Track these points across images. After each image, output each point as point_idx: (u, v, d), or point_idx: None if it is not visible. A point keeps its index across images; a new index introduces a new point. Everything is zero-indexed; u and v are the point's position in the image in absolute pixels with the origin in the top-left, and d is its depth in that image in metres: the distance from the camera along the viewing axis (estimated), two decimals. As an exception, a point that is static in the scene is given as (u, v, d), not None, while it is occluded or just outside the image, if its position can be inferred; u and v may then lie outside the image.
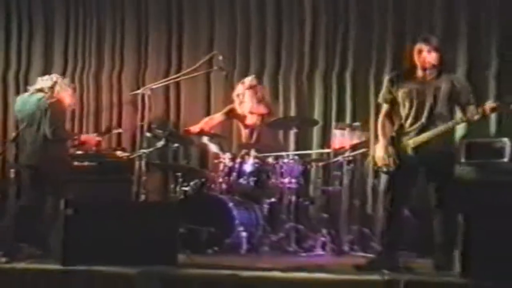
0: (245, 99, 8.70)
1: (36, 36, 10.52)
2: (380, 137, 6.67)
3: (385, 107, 6.72)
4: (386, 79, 6.79)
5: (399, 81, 6.60)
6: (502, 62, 9.04)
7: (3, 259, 6.56)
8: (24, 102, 7.98)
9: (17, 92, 10.31)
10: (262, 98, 8.80)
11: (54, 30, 10.49)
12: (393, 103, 6.63)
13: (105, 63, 10.29)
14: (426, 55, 6.43)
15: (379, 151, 6.60)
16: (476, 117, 6.32)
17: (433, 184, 6.51)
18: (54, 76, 8.26)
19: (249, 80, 8.79)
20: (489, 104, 6.30)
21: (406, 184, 6.53)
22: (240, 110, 8.81)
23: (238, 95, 8.76)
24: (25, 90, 10.09)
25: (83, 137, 8.59)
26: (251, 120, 8.77)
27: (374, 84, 9.32)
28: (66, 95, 8.10)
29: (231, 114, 8.97)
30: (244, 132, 8.93)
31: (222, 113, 9.09)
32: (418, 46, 6.50)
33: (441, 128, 6.38)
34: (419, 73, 6.50)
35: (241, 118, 8.89)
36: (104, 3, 10.36)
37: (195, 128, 8.84)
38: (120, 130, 9.19)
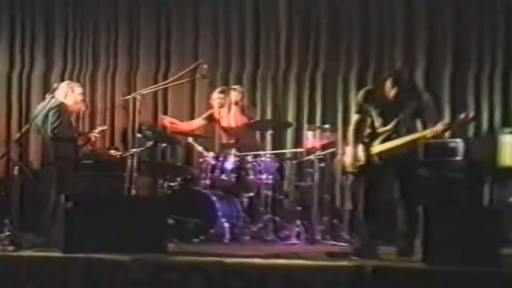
0: (231, 113, 8.72)
1: (38, 37, 10.37)
2: (350, 144, 6.67)
3: (356, 117, 6.71)
4: (361, 92, 6.75)
5: (372, 95, 6.61)
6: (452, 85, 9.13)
7: (10, 247, 6.55)
8: (40, 106, 7.99)
9: (20, 93, 10.32)
10: (245, 111, 8.82)
11: (55, 33, 10.34)
12: (364, 114, 6.64)
13: (100, 65, 10.18)
14: (394, 90, 6.49)
15: (347, 157, 6.64)
16: (430, 135, 6.37)
17: (397, 180, 6.53)
18: (66, 82, 8.32)
19: (234, 95, 8.78)
20: (439, 126, 6.30)
21: (375, 181, 6.55)
22: (220, 115, 8.82)
23: (221, 105, 8.78)
24: (28, 91, 10.22)
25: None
26: (232, 124, 8.78)
27: (342, 85, 9.38)
28: (72, 99, 8.11)
29: (211, 118, 8.96)
30: (225, 134, 8.92)
31: (202, 118, 9.09)
32: (388, 83, 6.54)
33: (403, 139, 6.42)
34: (391, 92, 6.52)
35: (222, 121, 8.87)
36: (99, 13, 10.25)
37: (180, 126, 8.91)
38: (105, 127, 9.12)
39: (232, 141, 8.74)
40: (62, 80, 9.98)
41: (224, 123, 8.82)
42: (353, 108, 9.00)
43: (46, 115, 7.83)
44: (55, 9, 10.35)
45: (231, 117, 8.76)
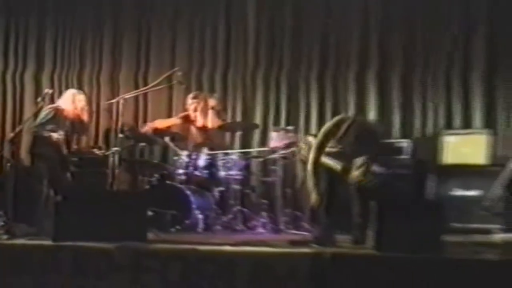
0: (208, 116, 8.72)
1: (30, 39, 10.33)
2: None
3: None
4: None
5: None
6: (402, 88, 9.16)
7: (5, 236, 6.54)
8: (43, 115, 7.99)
9: (14, 92, 10.22)
10: (220, 114, 8.87)
11: (46, 35, 10.29)
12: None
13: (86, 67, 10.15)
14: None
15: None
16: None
17: (359, 158, 6.45)
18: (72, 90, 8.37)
19: (212, 101, 8.80)
20: (354, 174, 6.38)
21: (334, 178, 6.52)
22: (196, 117, 8.80)
23: (195, 108, 8.78)
24: (21, 90, 10.17)
25: None
26: (209, 125, 8.77)
27: (305, 85, 9.40)
28: (72, 105, 8.10)
29: (186, 119, 8.93)
30: (198, 134, 8.88)
31: (177, 117, 9.09)
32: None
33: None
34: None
35: (196, 123, 8.86)
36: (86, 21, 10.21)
37: (151, 126, 8.86)
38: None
39: (205, 141, 8.70)
40: (52, 80, 10.05)
41: (200, 124, 8.80)
42: (314, 108, 9.25)
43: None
44: (46, 14, 10.29)
45: (208, 120, 8.75)
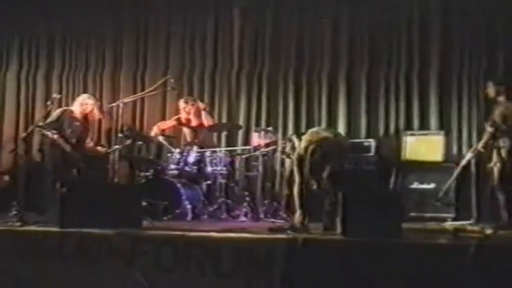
0: (203, 117, 8.69)
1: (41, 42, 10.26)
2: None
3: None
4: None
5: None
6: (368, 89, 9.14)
7: (18, 224, 6.54)
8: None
9: (27, 91, 10.12)
10: (211, 114, 8.88)
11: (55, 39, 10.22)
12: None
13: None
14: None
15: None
16: None
17: (326, 171, 6.48)
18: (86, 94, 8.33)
19: (202, 104, 8.79)
20: None
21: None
22: (187, 119, 8.79)
23: (188, 111, 8.75)
24: (34, 89, 10.04)
25: None
26: (205, 123, 8.75)
27: (283, 86, 9.37)
28: (81, 107, 8.03)
29: (179, 121, 8.92)
30: (189, 134, 8.89)
31: (172, 119, 9.05)
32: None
33: None
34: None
35: (188, 124, 8.86)
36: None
37: (157, 129, 8.82)
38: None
39: (194, 140, 8.68)
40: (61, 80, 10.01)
41: (195, 124, 8.77)
42: (291, 111, 9.24)
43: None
44: (56, 20, 10.21)
45: (203, 120, 8.72)
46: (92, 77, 10.04)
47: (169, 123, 9.10)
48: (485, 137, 6.77)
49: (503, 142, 6.54)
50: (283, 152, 7.73)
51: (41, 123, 7.67)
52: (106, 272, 5.76)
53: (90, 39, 10.09)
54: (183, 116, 8.86)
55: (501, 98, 6.79)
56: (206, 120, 8.72)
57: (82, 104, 8.06)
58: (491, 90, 6.93)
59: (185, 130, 8.99)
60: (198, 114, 8.77)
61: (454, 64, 8.85)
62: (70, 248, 5.89)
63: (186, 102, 8.82)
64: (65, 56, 10.17)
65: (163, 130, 8.86)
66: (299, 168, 6.48)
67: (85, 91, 9.31)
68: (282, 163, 8.53)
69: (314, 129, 7.10)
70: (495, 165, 6.57)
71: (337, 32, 9.26)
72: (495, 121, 6.69)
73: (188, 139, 8.90)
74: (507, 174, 6.50)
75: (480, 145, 6.90)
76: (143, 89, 9.53)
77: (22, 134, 8.44)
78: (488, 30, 8.69)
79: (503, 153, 6.53)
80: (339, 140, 6.84)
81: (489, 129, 6.72)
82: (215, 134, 9.02)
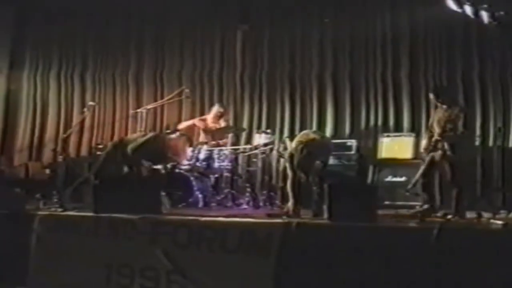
0: (221, 121, 8.67)
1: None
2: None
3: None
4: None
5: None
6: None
7: (60, 209, 6.61)
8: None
9: (59, 92, 9.97)
10: (226, 118, 8.84)
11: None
12: None
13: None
14: None
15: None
16: None
17: (317, 165, 6.52)
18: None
19: (221, 109, 8.75)
20: None
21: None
22: (211, 122, 8.73)
23: (217, 115, 8.71)
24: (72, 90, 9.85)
25: None
26: (210, 127, 8.71)
27: (280, 101, 9.27)
28: None
29: (204, 122, 8.81)
30: (203, 134, 8.79)
31: (197, 119, 8.96)
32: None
33: None
34: None
35: (202, 126, 8.79)
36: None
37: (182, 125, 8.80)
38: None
39: (206, 140, 8.60)
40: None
41: (215, 125, 8.71)
42: (287, 115, 9.20)
43: None
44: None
45: (220, 123, 8.70)
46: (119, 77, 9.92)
47: (187, 123, 8.97)
48: (425, 141, 6.67)
49: (442, 145, 6.39)
50: (278, 151, 7.79)
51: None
52: (134, 248, 5.83)
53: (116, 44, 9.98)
54: (209, 117, 8.77)
55: (439, 106, 6.64)
56: (222, 123, 8.72)
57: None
58: (432, 99, 6.81)
59: (200, 131, 8.85)
60: (219, 118, 8.76)
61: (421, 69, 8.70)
62: (102, 229, 5.96)
63: (222, 107, 8.80)
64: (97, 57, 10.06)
65: (181, 129, 8.70)
66: (291, 164, 6.55)
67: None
68: (278, 160, 8.53)
69: (304, 131, 7.16)
70: (444, 164, 6.45)
71: (323, 47, 9.16)
72: (433, 126, 6.59)
73: (201, 139, 8.76)
74: (453, 171, 6.37)
75: (422, 148, 6.83)
76: (162, 112, 9.58)
77: (63, 135, 8.56)
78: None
79: (446, 153, 6.39)
80: (324, 141, 6.91)
81: (429, 134, 6.64)
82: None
